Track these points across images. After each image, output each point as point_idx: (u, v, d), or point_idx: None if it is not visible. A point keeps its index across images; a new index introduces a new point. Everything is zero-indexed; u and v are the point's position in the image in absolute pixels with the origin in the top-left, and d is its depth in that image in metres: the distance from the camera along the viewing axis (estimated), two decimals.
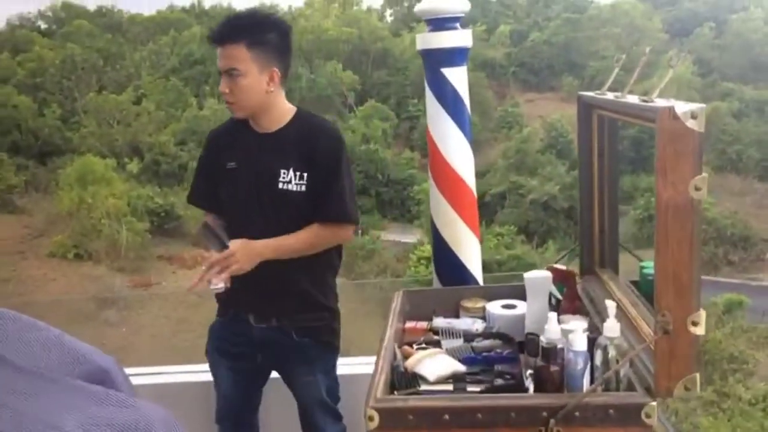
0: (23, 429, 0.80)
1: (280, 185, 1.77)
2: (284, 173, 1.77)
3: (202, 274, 1.69)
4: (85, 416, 1.58)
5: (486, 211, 26.16)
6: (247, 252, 1.69)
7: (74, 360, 1.62)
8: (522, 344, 1.54)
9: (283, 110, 1.85)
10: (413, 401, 1.28)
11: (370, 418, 1.23)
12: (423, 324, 1.79)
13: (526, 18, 41.23)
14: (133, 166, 28.68)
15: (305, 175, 1.77)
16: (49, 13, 43.10)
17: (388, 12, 43.89)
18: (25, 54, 34.00)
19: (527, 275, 1.58)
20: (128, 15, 41.83)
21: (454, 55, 1.98)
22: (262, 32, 1.77)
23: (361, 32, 35.12)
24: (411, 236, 26.20)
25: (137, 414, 1.56)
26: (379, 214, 28.49)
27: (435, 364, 1.47)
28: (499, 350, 1.56)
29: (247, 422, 2.00)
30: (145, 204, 25.50)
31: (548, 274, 1.59)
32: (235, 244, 1.68)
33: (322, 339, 1.87)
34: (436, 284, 2.14)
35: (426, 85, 2.04)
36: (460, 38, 1.97)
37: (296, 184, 1.78)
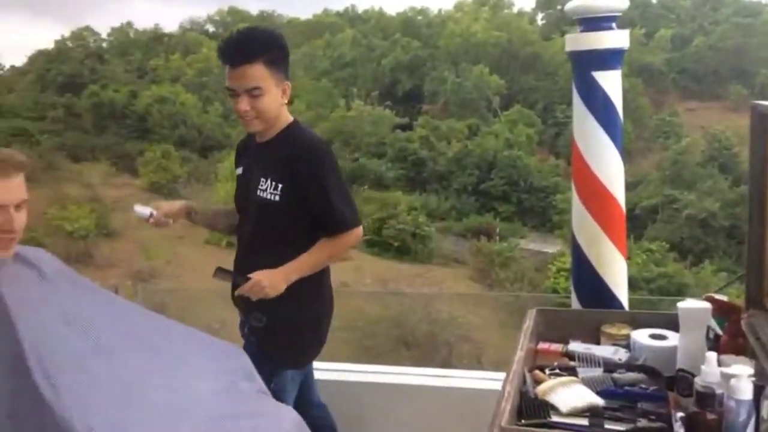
0: None
1: (259, 192, 1.86)
2: (263, 181, 1.86)
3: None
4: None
5: (635, 225, 24.70)
6: (269, 277, 1.78)
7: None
8: (671, 381, 1.38)
9: (282, 120, 1.91)
10: None
11: None
12: (557, 347, 1.66)
13: (691, 22, 38.52)
14: None
15: (280, 186, 1.83)
16: (217, 17, 46.40)
17: (540, 15, 42.77)
18: (194, 55, 36.83)
19: (682, 305, 1.40)
20: (287, 19, 44.09)
21: (607, 58, 1.82)
22: (274, 49, 1.83)
23: (510, 36, 34.52)
24: (551, 246, 25.35)
25: (267, 403, 1.56)
26: (519, 222, 27.84)
27: (569, 394, 1.35)
28: (644, 386, 1.40)
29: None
30: None
31: (707, 305, 1.40)
32: (259, 274, 1.79)
33: (263, 345, 1.86)
34: (575, 305, 1.99)
35: (573, 89, 1.89)
36: (615, 39, 1.80)
37: (270, 194, 1.85)
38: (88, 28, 39.94)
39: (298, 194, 1.83)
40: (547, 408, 1.30)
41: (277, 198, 1.84)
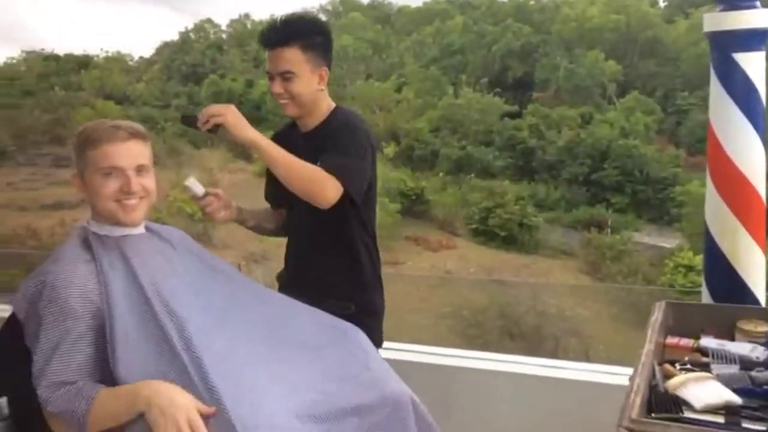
0: None
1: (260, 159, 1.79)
2: None
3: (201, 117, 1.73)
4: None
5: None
6: (235, 113, 1.72)
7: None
8: None
9: (324, 109, 1.90)
10: (676, 429, 1.13)
11: None
12: (687, 342, 1.59)
13: None
14: (390, 151, 30.34)
15: None
16: (329, 7, 47.32)
17: None
18: None
19: None
20: (398, 7, 44.31)
21: (749, 38, 1.69)
22: (312, 34, 1.82)
23: (629, 19, 32.95)
24: (668, 240, 24.10)
25: (373, 377, 1.57)
26: (632, 214, 26.65)
27: (703, 390, 1.28)
28: None
29: None
30: (397, 186, 26.89)
31: None
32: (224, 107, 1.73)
33: None
34: (706, 299, 1.89)
35: (711, 71, 1.78)
36: (758, 18, 1.68)
37: None
38: (209, 21, 41.97)
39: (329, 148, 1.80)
40: (679, 403, 1.25)
41: None
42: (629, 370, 2.35)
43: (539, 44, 33.57)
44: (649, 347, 1.40)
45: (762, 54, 1.72)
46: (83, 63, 35.06)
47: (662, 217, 26.38)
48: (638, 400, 1.18)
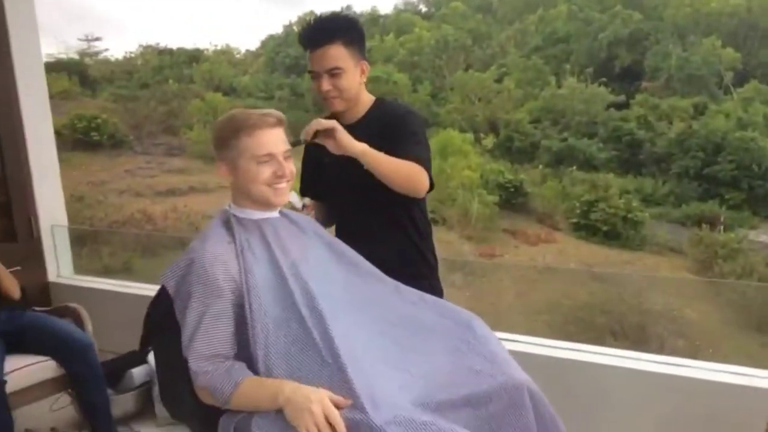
0: None
1: (363, 172, 1.81)
2: None
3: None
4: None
5: None
6: (340, 127, 1.76)
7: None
8: None
9: (365, 101, 1.98)
10: None
11: None
12: None
13: None
14: (488, 142, 29.98)
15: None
16: None
17: None
18: (406, 35, 37.90)
19: None
20: None
21: None
22: (350, 30, 1.88)
23: (749, 3, 30.87)
24: None
25: (492, 366, 1.54)
26: (749, 211, 25.06)
27: None
28: None
29: None
30: (495, 178, 26.54)
31: None
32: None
33: None
34: None
35: None
36: None
37: None
38: (311, 13, 42.82)
39: (394, 140, 1.84)
40: None
41: None
42: (754, 371, 2.22)
43: (650, 31, 32.05)
44: None
45: None
46: (194, 56, 36.77)
47: None
48: None
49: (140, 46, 40.72)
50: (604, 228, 23.20)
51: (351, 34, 1.89)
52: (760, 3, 31.18)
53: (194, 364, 1.45)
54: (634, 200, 23.78)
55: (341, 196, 2.01)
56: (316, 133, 1.77)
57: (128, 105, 26.47)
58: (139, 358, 3.15)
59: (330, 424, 1.34)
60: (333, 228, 2.09)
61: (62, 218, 3.70)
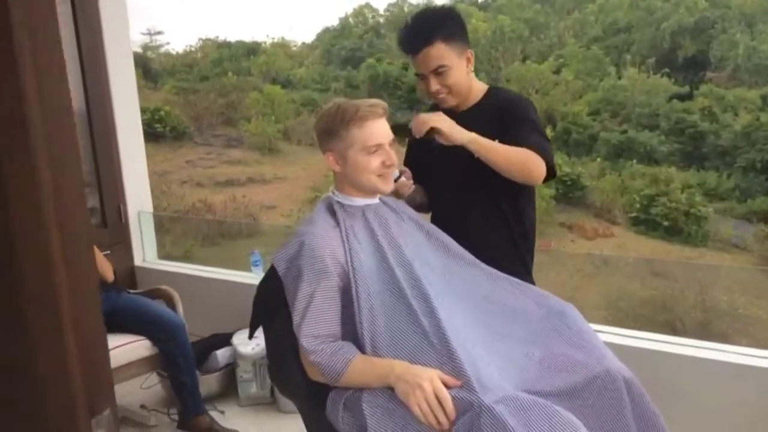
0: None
1: (476, 155, 1.81)
2: None
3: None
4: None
5: None
6: (446, 119, 1.77)
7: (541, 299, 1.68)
8: None
9: (477, 88, 1.96)
10: None
11: None
12: None
13: None
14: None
15: (495, 140, 1.78)
16: None
17: None
18: None
19: None
20: None
21: None
22: (447, 24, 1.86)
23: None
24: None
25: (587, 355, 1.55)
26: None
27: None
28: None
29: None
30: None
31: None
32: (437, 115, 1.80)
33: None
34: None
35: None
36: None
37: None
38: (367, 5, 42.95)
39: (512, 128, 1.83)
40: None
41: None
42: None
43: (716, 20, 30.92)
44: None
45: None
46: (252, 49, 37.35)
47: None
48: None
49: (200, 39, 41.62)
50: (665, 223, 22.56)
51: (449, 28, 1.88)
52: None
53: (305, 342, 1.52)
54: (696, 195, 23.05)
55: (445, 184, 2.02)
56: (430, 129, 1.78)
57: (189, 97, 27.06)
58: (223, 341, 3.27)
59: (440, 403, 1.39)
60: (428, 216, 2.11)
61: (148, 205, 3.86)
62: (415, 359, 1.47)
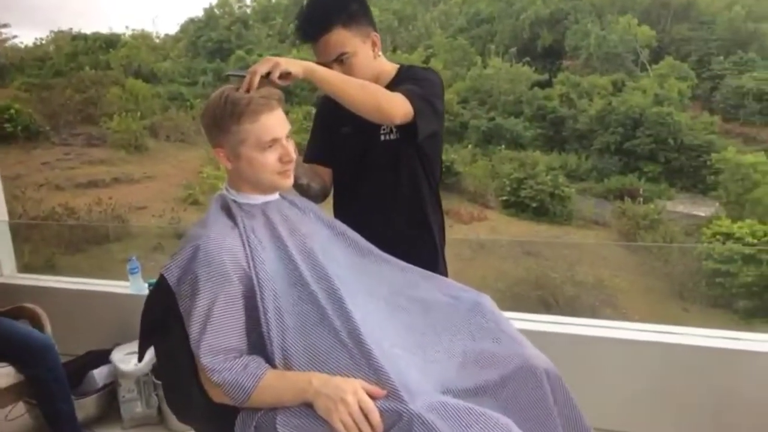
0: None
1: (382, 137, 1.77)
2: (384, 127, 1.77)
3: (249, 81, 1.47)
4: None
5: None
6: (279, 58, 1.53)
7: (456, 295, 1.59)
8: None
9: (386, 70, 1.84)
10: None
11: None
12: None
13: None
14: None
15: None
16: None
17: None
18: None
19: None
20: None
21: None
22: (346, 7, 1.72)
23: None
24: (703, 208, 23.80)
25: (506, 347, 1.50)
26: (666, 183, 26.24)
27: None
28: None
29: None
30: None
31: None
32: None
33: None
34: None
35: None
36: None
37: (392, 134, 1.78)
38: None
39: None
40: None
41: (398, 135, 1.78)
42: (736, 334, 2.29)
43: (569, 11, 32.88)
44: None
45: None
46: (111, 42, 35.13)
47: (696, 185, 25.92)
48: None
49: (51, 32, 38.60)
50: (533, 204, 23.83)
51: (350, 11, 1.74)
52: None
53: (206, 361, 1.34)
54: (560, 176, 24.48)
55: (353, 169, 1.88)
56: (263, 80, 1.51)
57: (42, 94, 25.04)
58: (100, 358, 2.96)
59: (365, 417, 1.27)
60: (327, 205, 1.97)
61: (1, 212, 3.44)
62: (334, 369, 1.33)
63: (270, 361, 1.37)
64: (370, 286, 1.59)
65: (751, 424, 2.01)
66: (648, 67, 29.91)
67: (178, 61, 35.82)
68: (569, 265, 17.36)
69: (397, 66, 1.88)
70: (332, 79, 1.60)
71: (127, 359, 2.89)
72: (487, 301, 1.67)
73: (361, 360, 1.34)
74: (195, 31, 38.72)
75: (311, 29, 1.74)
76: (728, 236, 19.53)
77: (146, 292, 3.20)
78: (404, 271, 1.68)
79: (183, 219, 20.19)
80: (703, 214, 22.89)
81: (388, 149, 1.80)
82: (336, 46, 1.72)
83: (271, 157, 1.47)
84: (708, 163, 25.05)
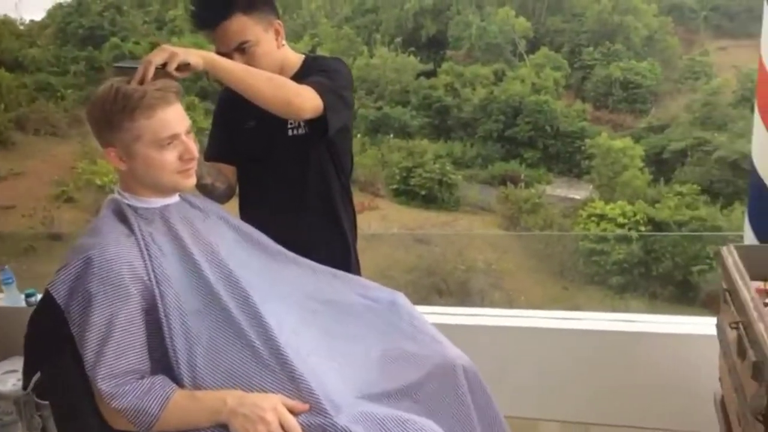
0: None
1: (290, 132, 1.70)
2: (291, 121, 1.70)
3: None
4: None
5: (664, 169, 24.53)
6: (175, 48, 1.42)
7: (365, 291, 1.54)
8: None
9: (292, 60, 1.78)
10: None
11: None
12: (758, 284, 1.58)
13: None
14: None
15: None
16: None
17: None
18: None
19: None
20: None
21: None
22: None
23: None
24: (578, 192, 25.22)
25: (424, 346, 1.48)
26: (544, 168, 27.56)
27: None
28: None
29: None
30: None
31: None
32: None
33: None
34: (749, 240, 1.89)
35: (766, 7, 1.77)
36: None
37: (300, 129, 1.72)
38: None
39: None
40: None
41: (306, 130, 1.71)
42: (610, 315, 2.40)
43: (451, 2, 33.61)
44: (752, 293, 1.37)
45: None
46: None
47: (571, 169, 27.41)
48: None
49: None
50: (422, 192, 24.34)
51: None
52: None
53: (105, 386, 1.20)
54: (446, 164, 25.11)
55: (259, 166, 1.78)
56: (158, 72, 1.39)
57: None
58: None
59: None
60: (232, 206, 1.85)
61: None
62: (251, 385, 1.24)
63: (178, 381, 1.25)
64: (282, 290, 1.50)
65: (653, 403, 2.11)
66: (525, 57, 31.18)
67: (46, 49, 33.38)
68: (459, 250, 17.85)
69: (302, 56, 1.80)
70: (235, 70, 1.50)
71: (5, 378, 2.62)
72: (403, 300, 1.64)
73: (279, 372, 1.26)
74: (64, 17, 36.14)
75: (209, 15, 1.63)
76: (602, 217, 20.83)
77: (23, 304, 2.94)
78: (317, 272, 1.60)
79: (57, 218, 18.97)
80: (578, 197, 24.25)
81: (297, 144, 1.72)
82: (236, 34, 1.62)
83: (170, 156, 1.35)
84: (582, 148, 26.53)
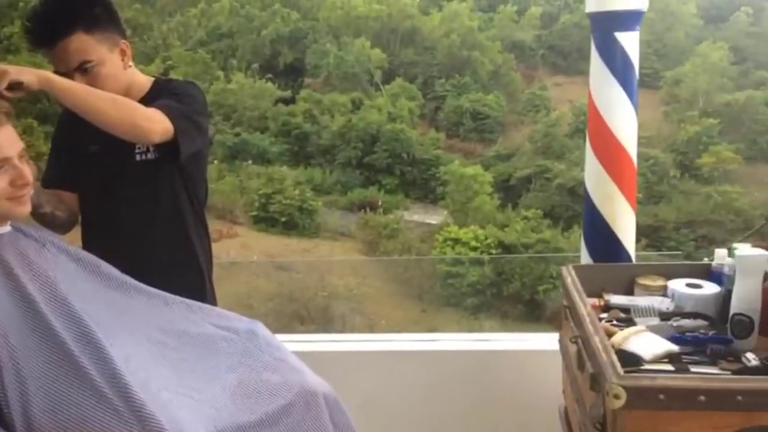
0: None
1: (137, 158, 1.64)
2: (139, 146, 1.64)
3: None
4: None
5: (511, 194, 26.14)
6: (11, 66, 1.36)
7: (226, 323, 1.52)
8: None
9: (139, 82, 1.73)
10: (662, 380, 1.19)
11: (616, 396, 1.14)
12: (593, 300, 1.71)
13: (558, 0, 40.61)
14: None
15: None
16: None
17: None
18: None
19: (740, 253, 1.47)
20: None
21: (628, 19, 1.88)
22: (89, 10, 1.58)
23: (390, 9, 34.69)
24: (434, 217, 26.21)
25: (284, 375, 1.48)
26: (401, 194, 28.40)
27: (645, 343, 1.38)
28: (703, 331, 1.47)
29: None
30: None
31: (765, 252, 1.47)
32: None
33: None
34: (586, 260, 2.05)
35: (593, 49, 1.96)
36: (636, 1, 1.87)
37: (149, 153, 1.65)
38: None
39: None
40: (636, 357, 1.33)
41: (156, 155, 1.63)
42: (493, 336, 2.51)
43: (308, 30, 33.93)
44: (588, 309, 1.47)
45: (637, 33, 1.90)
46: None
47: (427, 195, 28.45)
48: (614, 357, 1.23)
49: None
50: (283, 219, 24.18)
51: (93, 14, 1.56)
52: (397, 10, 35.22)
53: None
54: (306, 191, 25.15)
55: (104, 193, 1.68)
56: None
57: None
58: None
59: None
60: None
61: None
62: (95, 429, 1.14)
63: (9, 426, 1.14)
64: (130, 324, 1.41)
65: (505, 418, 2.21)
66: (381, 87, 32.08)
67: None
68: (320, 276, 17.85)
69: (152, 79, 1.73)
70: (75, 89, 1.41)
71: None
72: (261, 330, 1.60)
73: (126, 412, 1.18)
74: None
75: (46, 33, 1.52)
76: (456, 241, 21.77)
77: None
78: (169, 303, 1.53)
79: None
80: (435, 222, 25.19)
81: (145, 170, 1.65)
82: (77, 53, 1.54)
83: (0, 182, 1.23)
84: (437, 175, 27.65)
